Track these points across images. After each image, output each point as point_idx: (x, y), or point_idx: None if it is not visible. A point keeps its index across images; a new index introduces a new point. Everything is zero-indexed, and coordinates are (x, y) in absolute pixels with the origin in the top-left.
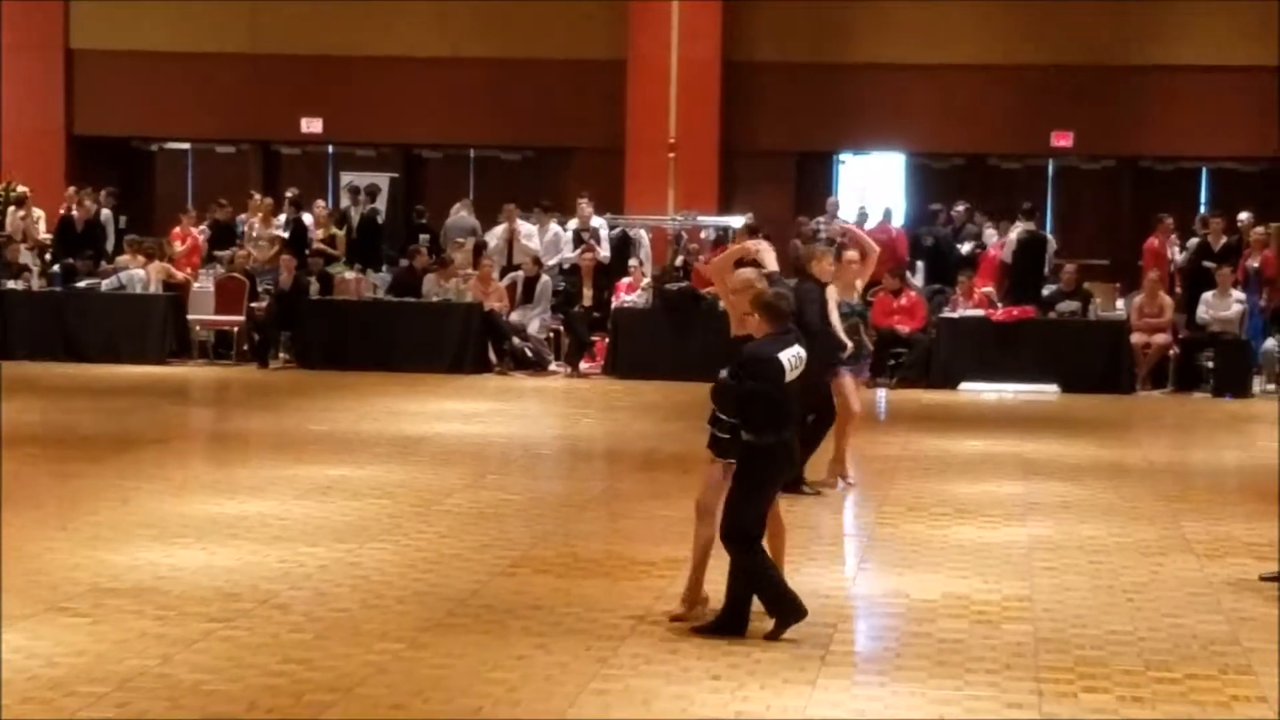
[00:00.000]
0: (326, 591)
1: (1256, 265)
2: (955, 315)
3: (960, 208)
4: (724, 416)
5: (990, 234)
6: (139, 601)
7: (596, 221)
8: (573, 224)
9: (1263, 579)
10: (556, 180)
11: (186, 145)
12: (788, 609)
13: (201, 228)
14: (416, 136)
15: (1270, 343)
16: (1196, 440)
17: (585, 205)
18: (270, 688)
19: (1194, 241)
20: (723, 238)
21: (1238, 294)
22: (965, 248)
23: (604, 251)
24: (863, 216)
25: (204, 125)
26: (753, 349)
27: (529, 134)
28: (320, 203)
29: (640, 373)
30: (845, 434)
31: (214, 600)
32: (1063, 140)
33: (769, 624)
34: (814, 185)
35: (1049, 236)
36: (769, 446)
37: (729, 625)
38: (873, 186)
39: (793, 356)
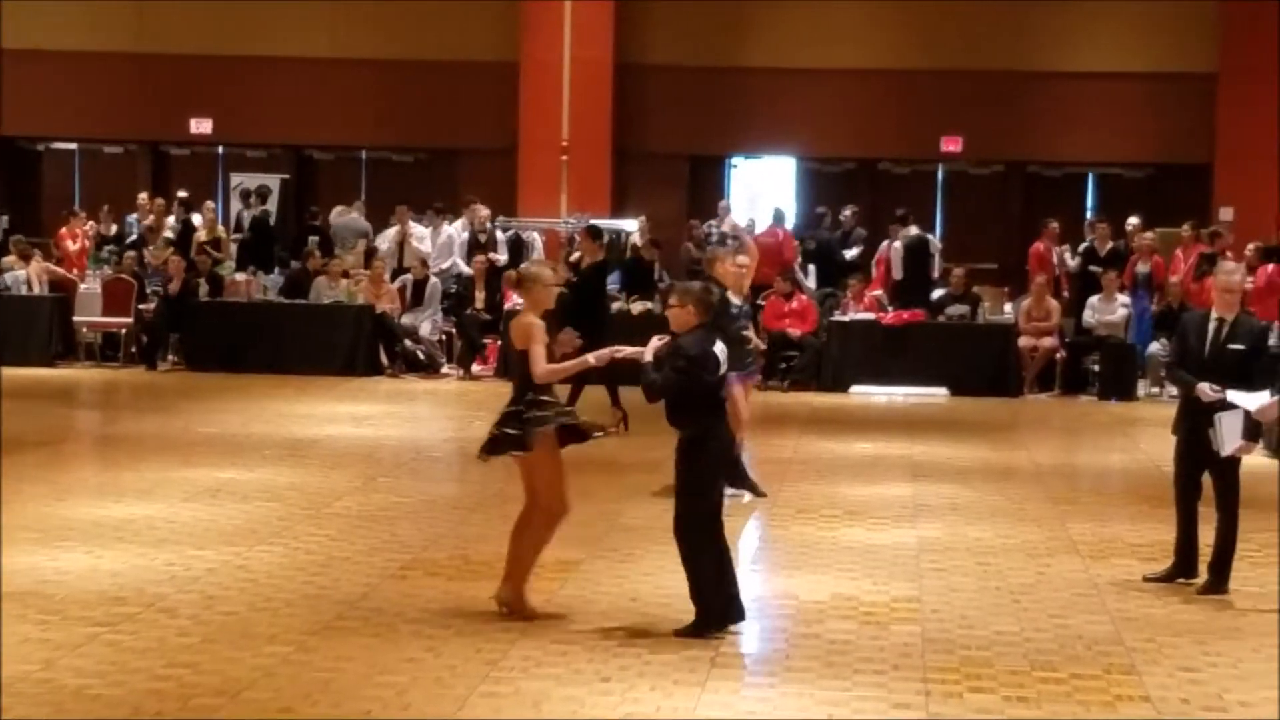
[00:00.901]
0: (214, 595)
1: (1147, 270)
2: (846, 319)
3: (848, 211)
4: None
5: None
6: (22, 606)
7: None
8: (460, 225)
9: (1147, 579)
10: (448, 182)
11: (74, 145)
12: (723, 611)
13: (89, 225)
14: (307, 138)
15: (1155, 346)
16: (1082, 443)
17: (480, 208)
18: (155, 692)
19: (1082, 246)
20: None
21: (1123, 298)
22: (852, 252)
23: (502, 257)
24: (751, 223)
25: (91, 125)
26: (687, 342)
27: (420, 136)
28: (209, 204)
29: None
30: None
31: (99, 604)
32: (952, 145)
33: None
34: (706, 188)
35: (931, 239)
36: (704, 439)
37: (706, 624)
38: (764, 190)
39: (722, 351)
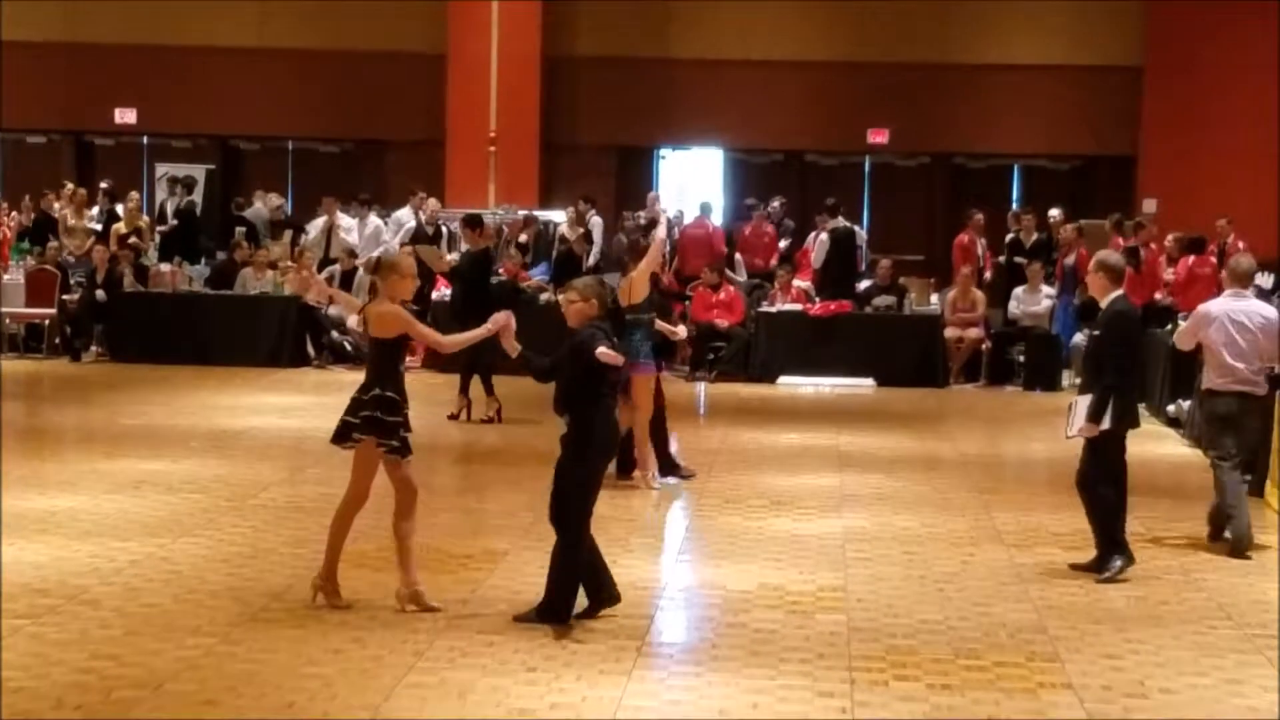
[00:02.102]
0: (137, 587)
1: (1072, 263)
2: (774, 310)
3: (776, 203)
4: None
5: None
6: None
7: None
8: (405, 214)
9: (1073, 568)
10: (375, 173)
11: None
12: (606, 592)
13: (13, 215)
14: (233, 128)
15: (1079, 337)
16: (1007, 433)
17: (431, 200)
18: (78, 685)
19: (1008, 238)
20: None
21: (1048, 289)
22: (782, 244)
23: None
24: (679, 214)
25: (14, 114)
26: (585, 337)
27: (348, 127)
28: (134, 195)
29: (461, 367)
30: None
31: (21, 596)
32: (879, 137)
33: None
34: (635, 179)
35: (858, 230)
36: (588, 429)
37: (553, 612)
38: (692, 181)
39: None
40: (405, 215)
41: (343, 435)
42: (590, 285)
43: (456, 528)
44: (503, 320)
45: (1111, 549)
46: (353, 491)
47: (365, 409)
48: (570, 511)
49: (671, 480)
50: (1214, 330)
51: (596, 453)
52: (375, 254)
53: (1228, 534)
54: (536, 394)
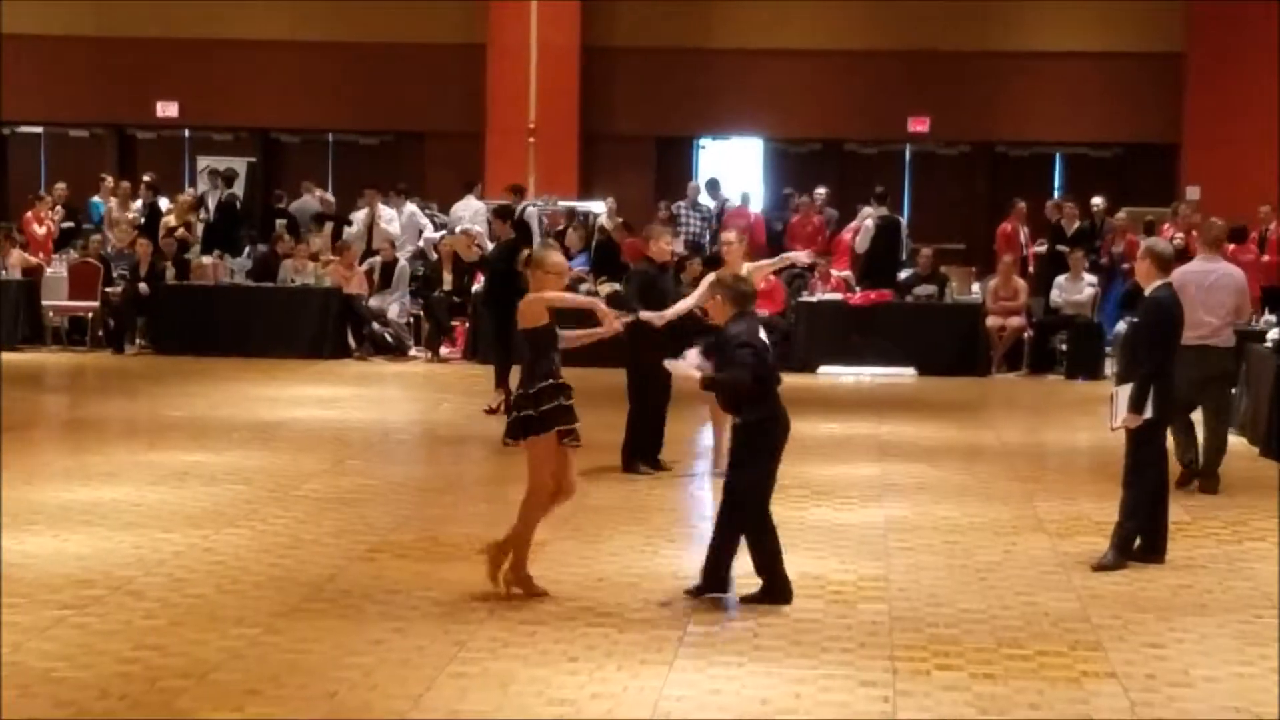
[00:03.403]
0: (181, 578)
1: (1121, 250)
2: (813, 299)
3: (820, 191)
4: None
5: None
6: None
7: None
8: (475, 206)
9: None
10: (414, 165)
11: (39, 129)
12: (780, 587)
13: (57, 209)
14: (273, 121)
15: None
16: (1049, 421)
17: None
18: (123, 674)
19: (1050, 225)
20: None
21: (1090, 278)
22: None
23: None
24: (721, 202)
25: (57, 109)
26: (736, 331)
27: (387, 119)
28: (191, 192)
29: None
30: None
31: (65, 587)
32: (919, 125)
33: (629, 602)
34: (674, 170)
35: (902, 221)
36: (763, 420)
37: (776, 592)
38: (732, 171)
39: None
40: (462, 208)
41: (520, 431)
42: (719, 282)
43: (496, 518)
44: (610, 317)
45: (1130, 539)
46: (536, 482)
47: (542, 403)
48: (744, 503)
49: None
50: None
51: (769, 445)
52: (414, 245)
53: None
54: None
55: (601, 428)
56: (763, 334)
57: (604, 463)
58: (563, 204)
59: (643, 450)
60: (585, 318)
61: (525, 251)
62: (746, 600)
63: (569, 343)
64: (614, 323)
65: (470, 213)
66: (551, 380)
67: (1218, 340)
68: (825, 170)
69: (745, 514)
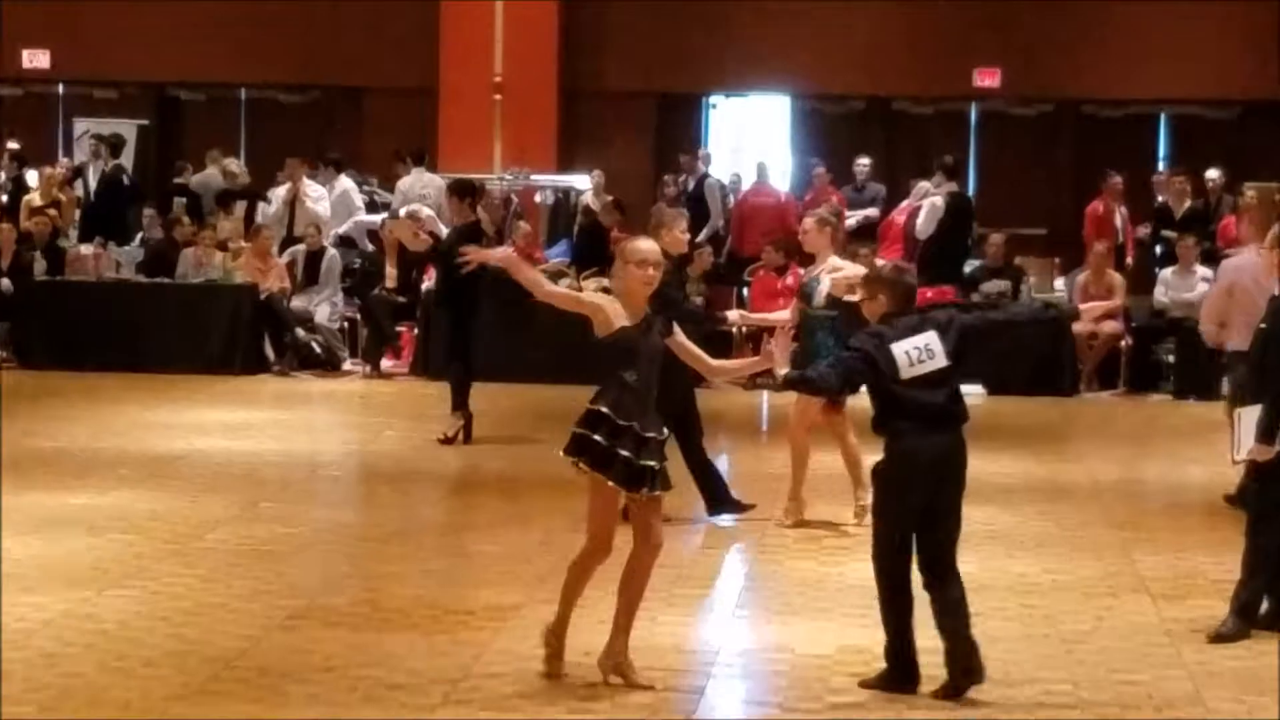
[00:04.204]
0: (53, 652)
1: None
2: (855, 298)
3: (863, 162)
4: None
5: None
6: None
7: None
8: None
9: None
10: (350, 129)
11: None
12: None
13: None
14: (170, 73)
15: None
16: (1153, 453)
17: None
18: None
19: (1154, 206)
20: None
21: (1204, 271)
22: (861, 214)
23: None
24: (736, 178)
25: None
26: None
27: (315, 71)
28: (65, 162)
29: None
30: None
31: None
32: (988, 80)
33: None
34: (679, 135)
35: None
36: (890, 455)
37: (896, 676)
38: (751, 136)
39: (913, 348)
40: (410, 183)
41: (574, 448)
42: (879, 275)
43: (455, 575)
44: (781, 346)
45: (1255, 602)
46: (589, 528)
47: (656, 455)
48: (875, 552)
49: (725, 518)
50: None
51: (894, 498)
52: (343, 229)
53: None
54: (541, 407)
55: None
56: (912, 345)
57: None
58: (538, 179)
59: (719, 496)
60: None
61: (621, 239)
62: (866, 686)
63: (727, 375)
64: (780, 344)
65: (420, 190)
66: (605, 409)
67: None
68: (869, 136)
69: (879, 578)
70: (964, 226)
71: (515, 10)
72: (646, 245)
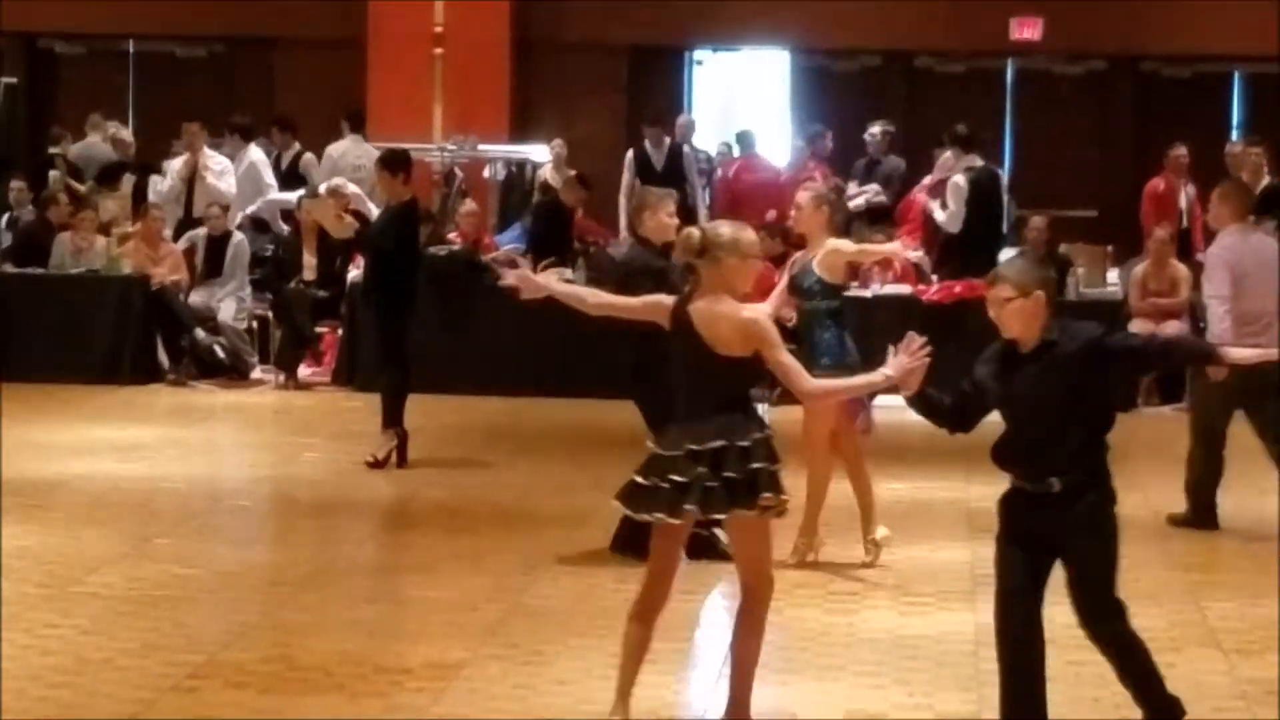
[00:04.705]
0: None
1: None
2: (868, 294)
3: (876, 129)
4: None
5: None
6: None
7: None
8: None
9: None
10: (260, 89)
11: None
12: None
13: None
14: (42, 21)
15: None
16: (1225, 479)
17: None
18: None
19: None
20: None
21: None
22: (868, 194)
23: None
24: (724, 152)
25: None
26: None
27: (217, 19)
28: None
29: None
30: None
31: None
32: (1027, 31)
33: None
34: (657, 95)
35: (1001, 174)
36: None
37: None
38: (744, 98)
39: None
40: (338, 153)
41: (703, 503)
42: (1028, 271)
43: (386, 626)
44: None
45: None
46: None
47: (741, 464)
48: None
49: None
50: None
51: (1002, 540)
52: (252, 209)
53: None
54: (490, 424)
55: (547, 489)
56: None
57: (551, 542)
58: (486, 149)
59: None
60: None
61: (691, 233)
62: None
63: (837, 397)
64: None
65: (355, 161)
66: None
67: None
68: (884, 97)
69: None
70: (992, 206)
71: None
72: (752, 235)
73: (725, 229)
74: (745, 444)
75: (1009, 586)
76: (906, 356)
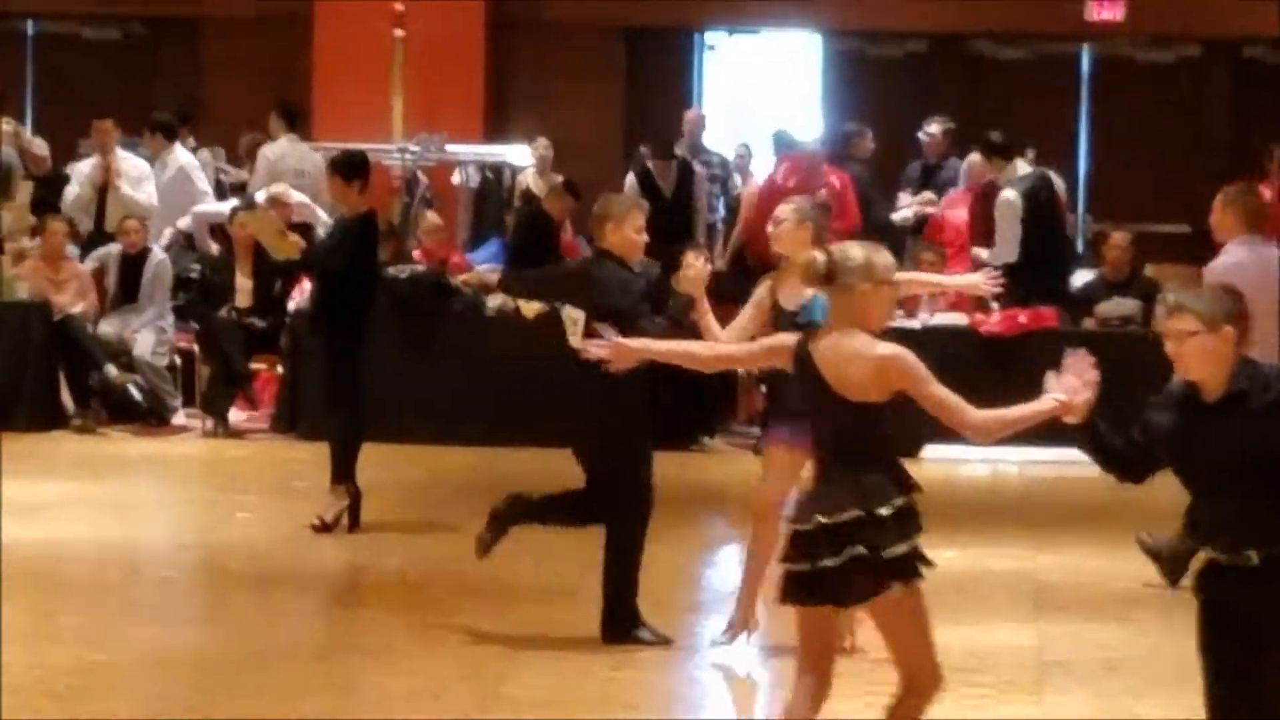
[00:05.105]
0: None
1: None
2: (916, 325)
3: (935, 128)
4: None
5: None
6: None
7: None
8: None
9: None
10: (184, 78)
11: None
12: None
13: None
14: None
15: None
16: None
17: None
18: None
19: None
20: None
21: None
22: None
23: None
24: (743, 154)
25: None
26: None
27: None
28: None
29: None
30: (761, 559)
31: None
32: (1105, 11)
33: None
34: (661, 85)
35: (1057, 180)
36: None
37: None
38: (764, 90)
39: None
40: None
41: (843, 588)
42: (1217, 300)
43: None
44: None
45: None
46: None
47: (884, 535)
48: None
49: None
50: None
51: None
52: (185, 221)
53: None
54: (457, 478)
55: (531, 561)
56: None
57: (534, 620)
58: (456, 151)
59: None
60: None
61: (817, 257)
62: None
63: (1005, 430)
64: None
65: (296, 165)
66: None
67: None
68: (933, 89)
69: None
70: (1053, 220)
71: None
72: (888, 257)
73: (856, 250)
74: (885, 512)
75: (1217, 685)
76: (1075, 377)
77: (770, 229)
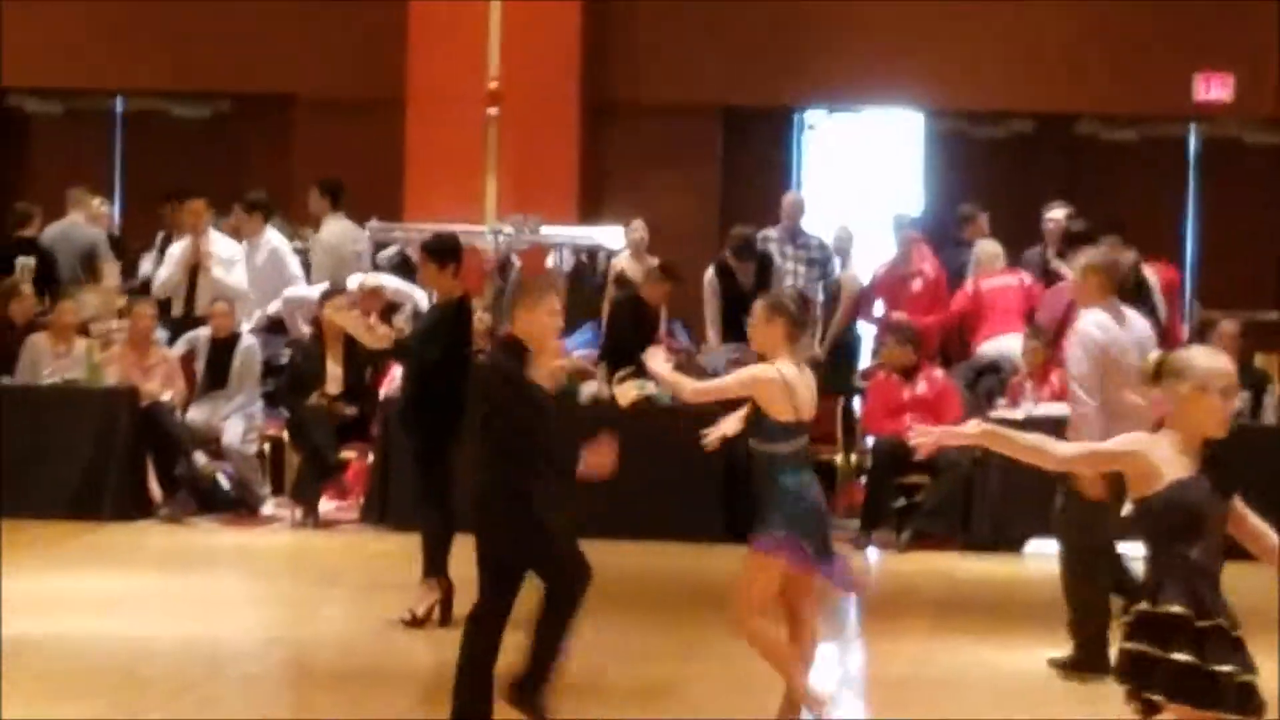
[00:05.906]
0: None
1: None
2: (1018, 415)
3: (1060, 213)
4: None
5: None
6: None
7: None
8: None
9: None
10: (274, 157)
11: None
12: None
13: None
14: (11, 74)
15: None
16: None
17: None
18: None
19: None
20: None
21: None
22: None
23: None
24: (843, 237)
25: None
26: None
27: (223, 72)
28: None
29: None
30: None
31: None
32: (1215, 89)
33: None
34: (758, 167)
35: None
36: None
37: None
38: (866, 168)
39: None
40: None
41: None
42: None
43: None
44: None
45: None
46: None
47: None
48: None
49: None
50: None
51: None
52: (275, 305)
53: None
54: None
55: (629, 656)
56: None
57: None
58: (550, 233)
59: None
60: None
61: (1152, 355)
62: None
63: None
64: None
65: (353, 247)
66: (1180, 609)
67: None
68: (1038, 170)
69: None
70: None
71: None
72: (1226, 363)
73: (1201, 356)
74: (1236, 635)
75: None
76: None
77: (748, 321)
